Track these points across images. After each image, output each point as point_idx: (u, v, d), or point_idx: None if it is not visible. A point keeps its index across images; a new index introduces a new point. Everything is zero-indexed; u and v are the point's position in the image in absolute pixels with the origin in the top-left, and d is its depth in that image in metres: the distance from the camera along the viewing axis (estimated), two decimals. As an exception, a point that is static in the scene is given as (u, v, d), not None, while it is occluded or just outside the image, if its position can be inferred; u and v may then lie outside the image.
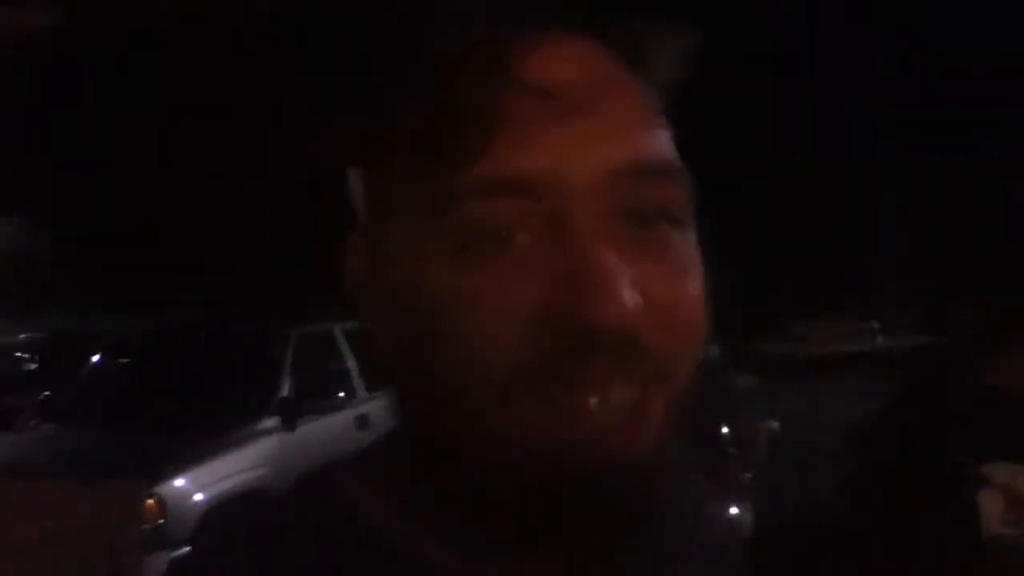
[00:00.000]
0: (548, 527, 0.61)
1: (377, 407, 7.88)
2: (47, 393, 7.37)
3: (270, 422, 6.73)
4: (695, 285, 0.63)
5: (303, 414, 6.99)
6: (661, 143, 0.63)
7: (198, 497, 5.71)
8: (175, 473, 5.68)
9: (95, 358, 7.56)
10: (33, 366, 10.89)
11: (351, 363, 7.91)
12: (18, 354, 11.17)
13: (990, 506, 1.60)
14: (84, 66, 11.79)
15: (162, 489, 5.53)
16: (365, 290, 0.67)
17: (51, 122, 12.02)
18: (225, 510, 5.74)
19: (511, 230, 0.59)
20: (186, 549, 5.41)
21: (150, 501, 5.43)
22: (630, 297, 0.57)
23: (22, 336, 11.87)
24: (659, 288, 0.60)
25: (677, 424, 0.62)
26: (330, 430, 7.30)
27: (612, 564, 0.62)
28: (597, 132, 0.59)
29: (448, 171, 0.59)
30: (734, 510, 4.92)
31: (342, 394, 7.63)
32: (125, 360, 7.67)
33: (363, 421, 7.68)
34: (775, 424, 6.60)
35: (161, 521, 5.41)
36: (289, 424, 6.81)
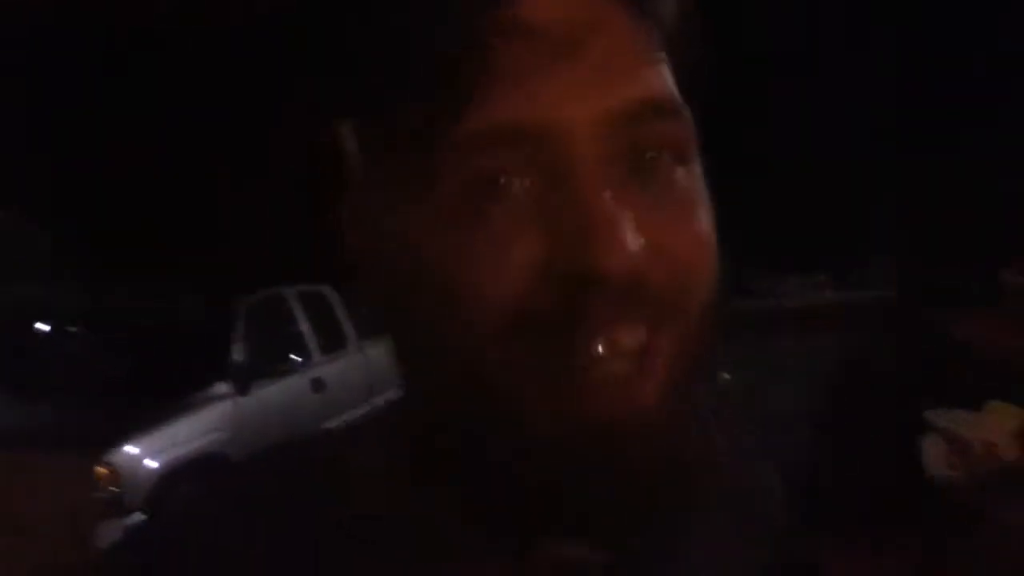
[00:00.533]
0: (565, 487, 0.60)
1: (331, 370, 7.95)
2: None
3: (224, 387, 6.77)
4: (702, 220, 0.62)
5: (257, 378, 7.03)
6: (660, 80, 0.61)
7: (152, 463, 5.75)
8: (128, 440, 5.72)
9: (44, 328, 7.55)
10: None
11: (304, 326, 7.94)
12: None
13: (934, 449, 1.71)
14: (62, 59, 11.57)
15: (115, 457, 5.57)
16: (363, 251, 0.66)
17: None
18: (186, 476, 5.81)
19: (509, 179, 0.58)
20: (144, 515, 5.49)
21: (104, 469, 5.46)
22: (633, 241, 0.56)
23: None
24: (664, 226, 0.59)
25: (692, 366, 0.62)
26: (285, 393, 7.34)
27: (634, 515, 0.61)
28: (592, 73, 0.58)
29: (439, 123, 0.57)
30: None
31: (296, 357, 7.67)
32: (74, 330, 7.66)
33: (318, 384, 7.74)
34: (727, 376, 6.77)
35: (115, 489, 5.46)
36: (243, 388, 6.85)
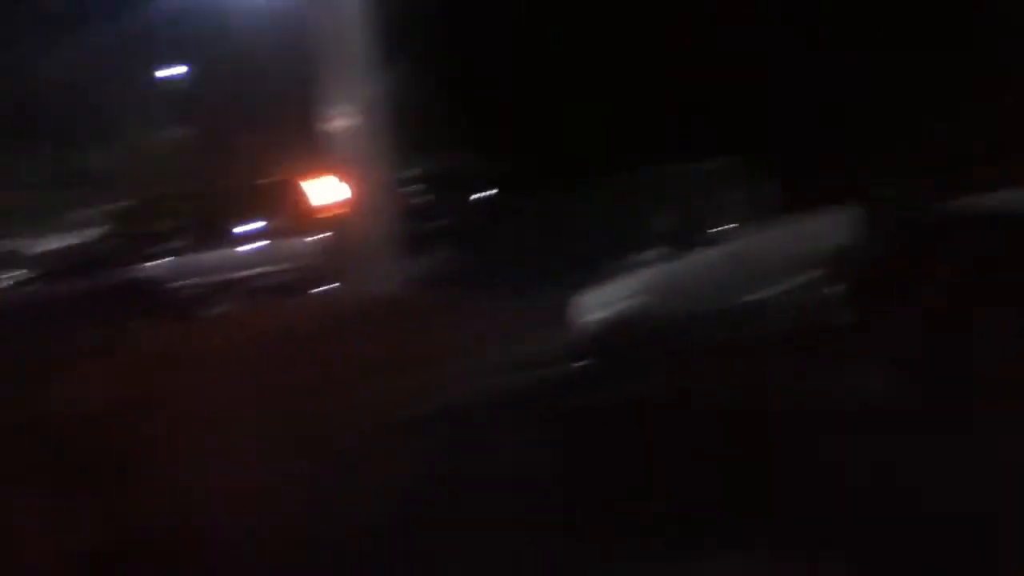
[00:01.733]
0: None
1: (755, 244, 8.12)
2: (449, 221, 8.44)
3: (652, 253, 7.35)
4: None
5: (683, 246, 7.53)
6: None
7: (591, 317, 6.49)
8: (571, 295, 6.51)
9: (493, 191, 8.50)
10: (426, 198, 12.03)
11: (731, 198, 8.27)
12: (414, 187, 12.42)
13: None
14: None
15: (572, 302, 6.37)
16: None
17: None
18: (618, 332, 6.51)
19: None
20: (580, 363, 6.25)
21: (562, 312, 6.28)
22: None
23: (416, 170, 13.07)
24: None
25: None
26: (709, 263, 7.72)
27: None
28: None
29: None
30: None
31: (722, 228, 8.00)
32: (518, 192, 8.56)
33: (738, 257, 7.95)
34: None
35: (567, 334, 6.23)
36: (675, 255, 7.40)
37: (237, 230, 10.89)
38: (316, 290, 7.62)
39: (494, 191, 8.72)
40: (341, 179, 7.38)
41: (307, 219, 9.12)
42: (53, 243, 13.44)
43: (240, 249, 10.54)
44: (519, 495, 3.97)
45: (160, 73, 18.44)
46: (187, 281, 9.88)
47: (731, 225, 8.16)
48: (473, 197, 9.44)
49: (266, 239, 10.34)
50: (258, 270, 10.11)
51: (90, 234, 13.52)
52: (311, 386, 4.86)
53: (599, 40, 9.96)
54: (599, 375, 6.04)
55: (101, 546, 3.38)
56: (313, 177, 8.72)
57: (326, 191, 7.68)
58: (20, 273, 10.87)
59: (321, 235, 8.64)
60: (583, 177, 8.22)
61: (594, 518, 3.97)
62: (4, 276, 10.63)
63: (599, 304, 6.56)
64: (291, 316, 6.56)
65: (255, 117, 13.50)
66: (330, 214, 7.74)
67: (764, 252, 8.13)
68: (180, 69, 18.17)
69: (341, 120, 7.11)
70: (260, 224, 10.59)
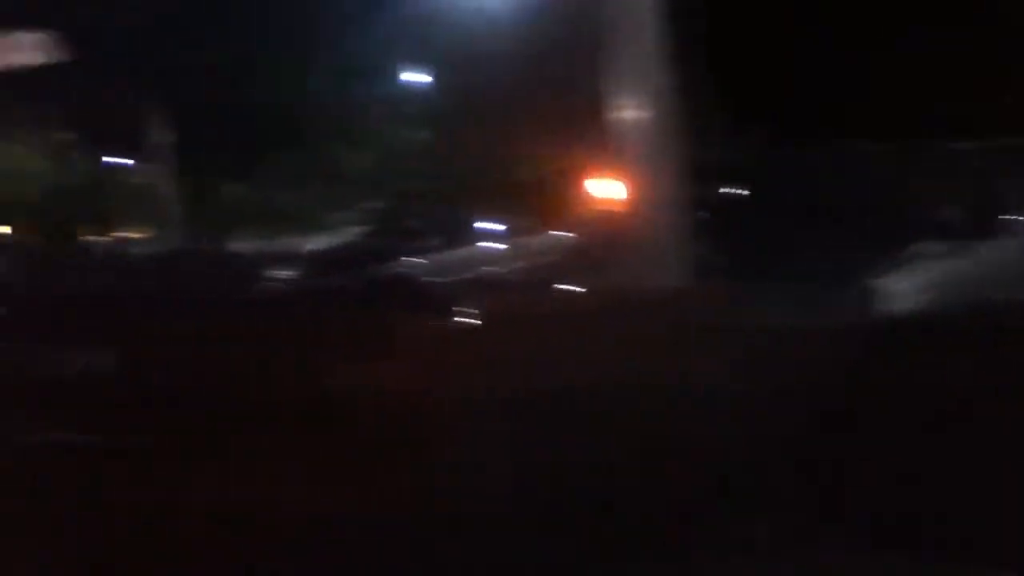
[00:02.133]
0: None
1: None
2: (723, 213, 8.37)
3: (936, 246, 7.00)
4: None
5: (972, 238, 7.13)
6: None
7: (885, 307, 6.23)
8: (866, 282, 6.26)
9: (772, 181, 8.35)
10: (699, 190, 11.94)
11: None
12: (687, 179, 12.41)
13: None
14: None
15: (856, 295, 6.15)
16: None
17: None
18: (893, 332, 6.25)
19: None
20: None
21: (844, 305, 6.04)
22: None
23: (689, 162, 13.03)
24: None
25: None
26: (1000, 256, 7.30)
27: None
28: None
29: None
30: None
31: (1014, 217, 7.49)
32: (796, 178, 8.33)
33: None
34: None
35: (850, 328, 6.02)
36: (957, 248, 7.00)
37: (496, 227, 11.14)
38: (585, 285, 7.72)
39: (774, 181, 8.56)
40: (610, 175, 7.42)
41: (575, 215, 9.24)
42: (320, 242, 14.16)
43: (502, 245, 10.79)
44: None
45: (419, 73, 19.09)
46: (448, 277, 10.21)
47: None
48: (748, 189, 9.24)
49: (530, 235, 10.56)
50: (519, 264, 10.32)
51: (352, 232, 14.21)
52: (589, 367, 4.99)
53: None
54: (885, 372, 5.84)
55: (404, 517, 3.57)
56: (583, 174, 8.84)
57: (595, 187, 7.77)
58: (295, 271, 11.48)
59: (591, 230, 8.74)
60: (865, 162, 7.93)
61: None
62: (282, 274, 11.24)
63: (888, 296, 6.32)
64: (565, 307, 6.69)
65: (517, 114, 13.81)
66: (598, 209, 7.81)
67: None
68: (438, 67, 18.79)
69: (617, 114, 7.17)
70: (525, 220, 10.80)
